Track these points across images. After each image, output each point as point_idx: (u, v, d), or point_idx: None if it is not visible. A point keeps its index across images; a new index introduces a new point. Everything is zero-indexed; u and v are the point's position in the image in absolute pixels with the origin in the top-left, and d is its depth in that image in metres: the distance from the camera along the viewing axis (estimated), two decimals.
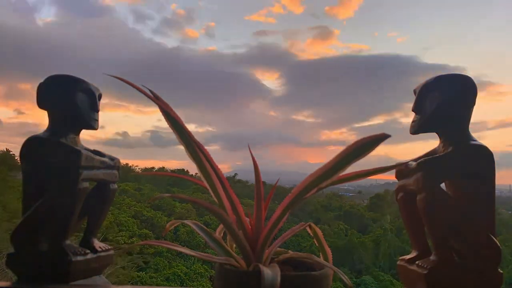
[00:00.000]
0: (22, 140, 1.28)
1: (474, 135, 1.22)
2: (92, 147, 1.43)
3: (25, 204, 1.30)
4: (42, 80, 1.38)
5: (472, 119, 1.24)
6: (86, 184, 1.30)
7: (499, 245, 1.14)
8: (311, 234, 1.07)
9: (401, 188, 1.29)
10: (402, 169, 1.26)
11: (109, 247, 1.42)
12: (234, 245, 0.99)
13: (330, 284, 0.88)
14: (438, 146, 1.27)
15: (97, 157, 1.34)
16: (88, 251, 1.32)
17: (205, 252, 1.00)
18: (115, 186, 1.44)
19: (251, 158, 0.94)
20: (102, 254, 1.37)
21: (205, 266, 14.10)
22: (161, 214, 18.87)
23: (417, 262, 1.19)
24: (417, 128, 1.27)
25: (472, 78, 1.22)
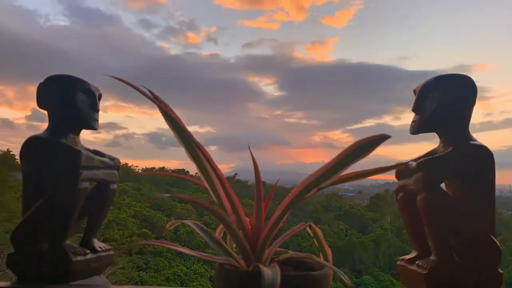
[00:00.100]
0: None
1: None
2: (92, 147, 1.43)
3: (25, 204, 1.30)
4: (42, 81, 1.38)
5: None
6: (86, 184, 1.31)
7: (499, 245, 1.14)
8: (311, 234, 1.07)
9: (401, 188, 1.29)
10: (402, 169, 1.26)
11: (109, 247, 1.42)
12: (234, 245, 0.99)
13: (330, 284, 0.88)
14: (438, 146, 1.27)
15: (97, 157, 1.34)
16: (88, 251, 1.32)
17: (205, 252, 1.00)
18: (115, 186, 1.44)
19: (251, 159, 0.94)
20: (102, 254, 1.37)
21: (205, 266, 14.10)
22: (161, 214, 18.86)
23: (417, 262, 1.19)
24: (417, 128, 1.27)
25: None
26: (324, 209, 27.82)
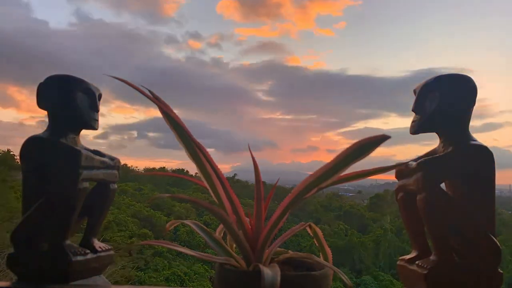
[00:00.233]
0: None
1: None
2: (92, 147, 1.43)
3: (25, 204, 1.30)
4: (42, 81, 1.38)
5: None
6: (86, 184, 1.31)
7: (499, 245, 1.13)
8: (311, 234, 1.07)
9: (401, 188, 1.29)
10: (402, 169, 1.26)
11: (109, 247, 1.42)
12: (234, 245, 0.99)
13: (330, 284, 0.88)
14: (438, 146, 1.27)
15: (97, 157, 1.34)
16: (88, 251, 1.32)
17: (205, 252, 1.00)
18: (115, 186, 1.44)
19: (250, 159, 0.94)
20: (102, 254, 1.37)
21: (205, 266, 14.10)
22: (161, 214, 18.86)
23: (417, 262, 1.19)
24: (417, 128, 1.27)
25: None
26: (324, 209, 27.82)
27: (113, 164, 1.41)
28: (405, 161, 1.23)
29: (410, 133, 1.30)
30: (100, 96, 1.45)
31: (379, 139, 0.74)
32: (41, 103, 1.38)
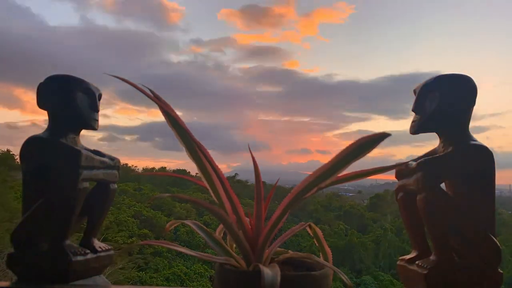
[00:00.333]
0: None
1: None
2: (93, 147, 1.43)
3: (25, 204, 1.30)
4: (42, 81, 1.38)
5: None
6: (86, 184, 1.31)
7: (499, 245, 1.13)
8: (311, 234, 1.07)
9: (401, 188, 1.29)
10: (402, 169, 1.26)
11: (109, 247, 1.42)
12: (234, 245, 0.99)
13: (330, 284, 0.88)
14: (438, 146, 1.27)
15: (97, 157, 1.34)
16: (88, 251, 1.32)
17: (205, 252, 1.00)
18: (115, 186, 1.44)
19: (249, 159, 0.94)
20: (102, 254, 1.37)
21: (205, 266, 14.10)
22: (161, 214, 18.87)
23: (417, 262, 1.19)
24: (417, 128, 1.27)
25: None
26: (324, 209, 27.83)
27: (113, 164, 1.41)
28: (405, 161, 1.23)
29: (410, 133, 1.30)
30: (100, 96, 1.45)
31: (379, 137, 0.74)
32: (41, 103, 1.38)
